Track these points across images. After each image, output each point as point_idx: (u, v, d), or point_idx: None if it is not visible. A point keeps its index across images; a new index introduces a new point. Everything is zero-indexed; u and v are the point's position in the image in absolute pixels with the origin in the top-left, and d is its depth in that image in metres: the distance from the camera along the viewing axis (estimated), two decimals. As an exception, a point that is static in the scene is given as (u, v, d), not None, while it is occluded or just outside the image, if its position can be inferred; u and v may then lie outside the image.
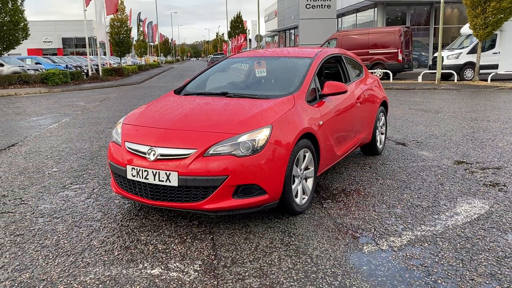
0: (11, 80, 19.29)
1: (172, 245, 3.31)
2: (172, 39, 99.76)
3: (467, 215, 3.83)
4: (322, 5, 25.11)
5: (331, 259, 3.06)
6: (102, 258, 3.10)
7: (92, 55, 26.81)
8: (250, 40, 73.71)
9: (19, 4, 18.56)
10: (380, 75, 20.55)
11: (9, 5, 18.10)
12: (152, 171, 3.46)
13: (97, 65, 26.86)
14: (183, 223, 3.73)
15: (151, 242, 3.36)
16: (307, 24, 25.04)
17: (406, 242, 3.31)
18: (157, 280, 2.79)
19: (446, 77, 19.56)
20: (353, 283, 2.74)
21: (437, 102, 12.55)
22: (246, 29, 70.29)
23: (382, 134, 6.29)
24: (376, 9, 28.43)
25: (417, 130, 7.99)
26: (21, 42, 18.93)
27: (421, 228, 3.56)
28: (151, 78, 28.39)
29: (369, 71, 20.24)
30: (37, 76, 19.87)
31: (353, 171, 5.33)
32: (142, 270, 2.92)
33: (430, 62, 22.02)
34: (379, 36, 21.10)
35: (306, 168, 4.03)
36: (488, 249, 3.17)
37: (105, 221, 3.80)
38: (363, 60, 20.90)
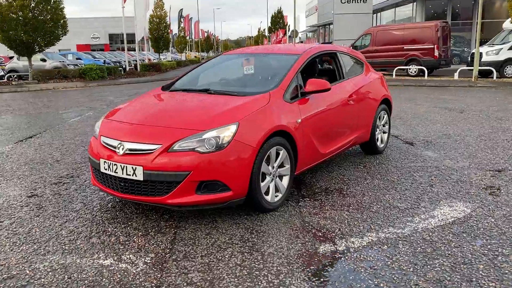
0: (52, 74, 20.21)
1: (134, 237, 3.41)
2: (214, 35, 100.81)
3: (442, 219, 3.70)
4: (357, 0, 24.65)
5: (282, 257, 3.06)
6: (63, 247, 3.25)
7: (136, 51, 27.50)
8: (290, 36, 73.26)
9: (59, 2, 19.36)
10: (415, 72, 19.96)
11: (51, 4, 18.88)
12: (121, 165, 3.57)
13: (136, 61, 27.64)
14: (154, 216, 3.83)
15: (115, 234, 3.47)
16: (342, 19, 24.69)
17: (365, 244, 3.25)
18: (104, 270, 2.89)
19: (485, 74, 18.72)
20: (293, 282, 2.73)
21: (467, 100, 12.06)
22: (287, 24, 69.96)
23: (384, 133, 6.14)
24: (415, 3, 27.54)
25: (432, 129, 7.73)
26: (60, 38, 19.75)
27: (388, 230, 3.48)
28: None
29: (404, 67, 19.88)
30: (76, 71, 20.71)
31: (344, 169, 5.25)
32: (95, 260, 3.03)
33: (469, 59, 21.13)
34: (414, 31, 20.45)
35: (281, 166, 4.02)
36: (448, 254, 3.06)
37: (82, 212, 3.96)
38: (398, 56, 20.44)
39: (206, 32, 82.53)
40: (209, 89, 4.45)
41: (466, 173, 5.05)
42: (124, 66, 26.01)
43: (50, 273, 2.86)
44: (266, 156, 3.76)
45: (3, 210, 4.03)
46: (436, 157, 5.77)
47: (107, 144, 3.77)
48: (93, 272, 2.87)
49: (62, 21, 19.30)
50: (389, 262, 2.96)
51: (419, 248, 3.16)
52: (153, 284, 2.72)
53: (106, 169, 3.70)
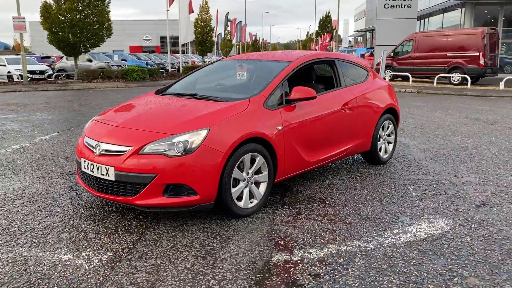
0: (96, 74, 21.14)
1: (102, 235, 3.54)
2: (263, 39, 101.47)
3: (415, 235, 3.58)
4: (402, 4, 24.05)
5: (233, 263, 3.08)
6: (33, 240, 3.43)
7: (180, 53, 28.20)
8: (341, 40, 72.35)
9: (105, 5, 20.23)
10: (458, 80, 19.19)
11: (97, 7, 19.78)
12: (96, 165, 3.72)
13: (179, 63, 28.33)
14: (129, 216, 3.96)
15: (86, 231, 3.62)
16: (384, 25, 24.15)
17: (322, 256, 3.21)
18: (60, 265, 3.03)
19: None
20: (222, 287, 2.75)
21: (504, 111, 11.47)
22: (335, 28, 69.27)
23: (389, 143, 5.99)
24: (463, 9, 26.47)
25: (450, 141, 7.44)
26: (105, 40, 20.62)
27: (352, 243, 3.41)
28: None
29: (447, 75, 19.12)
30: (119, 72, 21.55)
31: (338, 179, 5.17)
32: (56, 255, 3.18)
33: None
34: (459, 38, 19.67)
35: (259, 172, 4.03)
36: (402, 272, 2.97)
37: (66, 208, 4.16)
38: (440, 64, 19.74)
39: (254, 35, 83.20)
40: (196, 94, 4.54)
41: (465, 188, 4.84)
42: (166, 68, 26.73)
43: (10, 264, 3.04)
44: (239, 162, 3.79)
45: (-4, 202, 4.30)
46: (441, 171, 5.55)
47: (88, 144, 3.94)
48: (48, 266, 3.02)
49: (106, 23, 20.10)
50: (337, 276, 2.91)
51: (375, 264, 3.08)
52: (98, 281, 2.83)
53: (85, 168, 3.87)
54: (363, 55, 27.14)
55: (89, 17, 19.73)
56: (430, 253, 3.25)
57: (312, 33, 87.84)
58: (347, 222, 3.85)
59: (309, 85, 5.24)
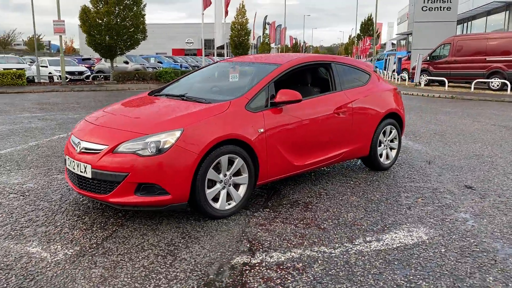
0: (131, 76, 21.78)
1: (76, 230, 3.66)
2: (304, 42, 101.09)
3: (387, 243, 3.47)
4: (441, 7, 23.32)
5: (191, 264, 3.10)
6: (11, 232, 3.59)
7: (215, 56, 28.70)
8: (385, 43, 70.90)
9: (140, 9, 20.83)
10: (497, 86, 18.38)
11: (133, 11, 20.40)
12: (77, 162, 3.85)
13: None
14: (108, 213, 4.06)
15: (63, 225, 3.75)
16: (422, 28, 23.51)
17: (282, 260, 3.17)
18: (25, 257, 3.16)
19: None
20: (171, 286, 2.77)
21: (537, 119, 10.89)
22: (377, 31, 68.04)
23: (392, 149, 5.82)
24: (507, 11, 25.31)
25: (467, 148, 7.15)
26: (140, 42, 21.21)
27: (318, 249, 3.35)
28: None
29: (486, 80, 18.30)
30: (153, 74, 22.11)
31: (331, 183, 5.08)
32: (25, 247, 3.31)
33: None
34: (499, 41, 18.83)
35: (238, 174, 4.04)
36: (358, 280, 2.89)
37: (54, 203, 4.32)
38: (478, 68, 18.98)
39: (294, 38, 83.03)
40: (184, 95, 4.60)
41: (462, 198, 4.64)
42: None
43: (-20, 254, 3.19)
44: (215, 164, 3.80)
45: (-8, 195, 4.52)
46: (444, 179, 5.35)
47: (72, 142, 4.08)
48: (14, 257, 3.15)
49: (141, 26, 20.68)
50: (289, 281, 2.87)
51: (333, 271, 3.01)
52: (54, 274, 2.92)
53: (69, 165, 4.01)
54: (400, 59, 26.44)
55: (125, 21, 20.35)
56: (396, 263, 3.14)
57: (354, 36, 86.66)
58: (322, 227, 3.78)
59: (304, 89, 5.21)
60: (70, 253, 3.23)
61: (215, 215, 3.89)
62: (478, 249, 3.38)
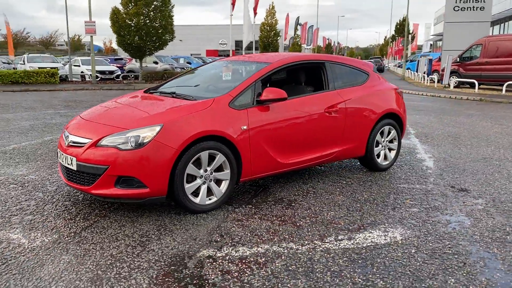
0: (159, 75, 22.25)
1: (60, 220, 3.83)
2: (338, 43, 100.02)
3: (357, 242, 3.46)
4: (474, 7, 22.63)
5: (157, 255, 3.20)
6: (-1, 219, 3.80)
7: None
8: (422, 44, 69.26)
9: (169, 10, 21.26)
10: (531, 88, 17.67)
11: (162, 12, 20.85)
12: (65, 155, 4.03)
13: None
14: (96, 205, 4.22)
15: (49, 215, 3.93)
16: (453, 28, 22.90)
17: (247, 254, 3.22)
18: (4, 242, 3.34)
19: None
20: (137, 277, 2.87)
21: None
22: (412, 32, 66.62)
23: (391, 150, 5.75)
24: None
25: (477, 151, 6.96)
26: (167, 43, 21.65)
27: (286, 245, 3.38)
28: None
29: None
30: (180, 74, 22.47)
31: (322, 182, 5.08)
32: (8, 233, 3.51)
33: None
34: (534, 42, 18.09)
35: (221, 170, 4.12)
36: (314, 277, 2.91)
37: (48, 194, 4.52)
38: (511, 70, 18.25)
39: (328, 39, 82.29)
40: (175, 92, 4.72)
41: (453, 201, 4.55)
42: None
43: (-35, 238, 3.41)
44: (194, 159, 3.89)
45: (-6, 186, 4.78)
46: (442, 181, 5.25)
47: (64, 136, 4.28)
48: (-5, 242, 3.34)
49: (169, 27, 21.09)
50: (246, 275, 2.92)
51: (292, 267, 3.04)
52: (26, 259, 3.09)
53: (59, 158, 4.20)
54: (430, 61, 25.82)
55: (154, 21, 20.80)
56: (360, 262, 3.13)
57: (389, 38, 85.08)
58: (298, 224, 3.81)
59: (298, 88, 5.24)
60: (47, 241, 3.39)
61: (195, 210, 3.98)
62: (450, 252, 3.32)
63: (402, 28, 64.61)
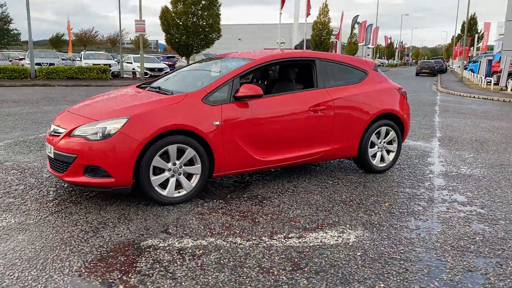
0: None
1: (37, 204, 4.08)
2: (401, 42, 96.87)
3: (306, 241, 3.41)
4: (538, 4, 21.02)
5: (103, 241, 3.33)
6: (-17, 201, 4.13)
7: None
8: (493, 45, 65.35)
9: (216, 9, 21.68)
10: None
11: (209, 11, 21.31)
12: (47, 144, 4.30)
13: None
14: (76, 192, 4.45)
15: (28, 199, 4.20)
16: (515, 27, 21.39)
17: (188, 246, 3.27)
18: (-24, 221, 3.64)
19: None
20: (72, 259, 3.02)
21: None
22: (480, 32, 63.12)
23: (390, 152, 5.55)
24: None
25: (497, 158, 6.56)
26: (214, 42, 22.09)
27: (231, 239, 3.39)
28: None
29: None
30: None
31: (306, 181, 5.01)
32: (-17, 214, 3.81)
33: None
34: None
35: (192, 164, 4.20)
36: (240, 272, 2.90)
37: (40, 180, 4.83)
38: None
39: (389, 38, 79.93)
40: (160, 87, 4.86)
41: (439, 206, 4.34)
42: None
43: None
44: (161, 152, 4.00)
45: (-3, 170, 5.18)
46: (435, 187, 5.01)
47: (50, 127, 4.55)
48: (-33, 221, 3.64)
49: (216, 26, 21.50)
50: (174, 265, 2.98)
51: (224, 260, 3.06)
52: (-14, 237, 3.35)
53: (45, 147, 4.48)
54: (490, 61, 24.30)
55: (201, 20, 21.30)
56: (295, 260, 3.09)
57: (458, 36, 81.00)
58: (256, 220, 3.81)
59: (287, 85, 5.22)
60: (13, 222, 3.64)
61: (162, 201, 4.09)
62: (398, 257, 3.19)
63: (469, 27, 61.40)
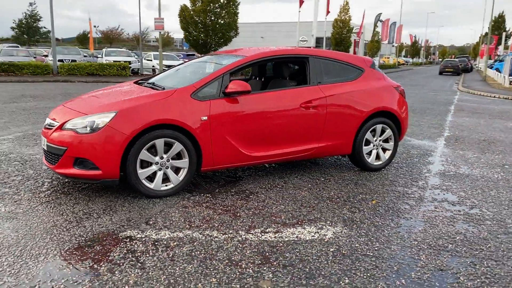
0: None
1: (28, 194, 4.22)
2: (427, 40, 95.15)
3: (282, 236, 3.44)
4: None
5: (85, 231, 3.43)
6: (-21, 190, 4.30)
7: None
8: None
9: (234, 8, 21.77)
10: None
11: (227, 10, 21.43)
12: (41, 137, 4.45)
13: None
14: (69, 184, 4.59)
15: (23, 189, 4.35)
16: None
17: (164, 238, 3.34)
18: (-33, 209, 3.81)
19: None
20: (52, 248, 3.13)
21: None
22: (509, 30, 61.46)
23: (386, 150, 5.51)
24: None
25: (500, 158, 6.45)
26: (232, 40, 22.20)
27: (208, 233, 3.45)
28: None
29: None
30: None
31: (297, 178, 5.03)
32: (-24, 202, 3.97)
33: None
34: None
35: (180, 158, 4.27)
36: (209, 264, 2.96)
37: (38, 171, 4.98)
38: None
39: (414, 36, 78.59)
40: (154, 83, 4.96)
41: (424, 206, 4.30)
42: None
43: None
44: (149, 146, 4.09)
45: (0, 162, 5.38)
46: (428, 186, 4.96)
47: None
48: (-40, 208, 3.81)
49: (234, 24, 21.61)
50: (146, 255, 3.05)
51: (196, 252, 3.12)
52: (-27, 224, 3.50)
53: (41, 140, 4.64)
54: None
55: (219, 18, 21.44)
56: (266, 254, 3.13)
57: (485, 34, 79.07)
58: (237, 215, 3.85)
59: (280, 81, 5.24)
60: (3, 210, 3.79)
61: (149, 194, 4.18)
62: (371, 254, 3.19)
63: (497, 26, 59.85)
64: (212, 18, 21.35)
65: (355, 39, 44.79)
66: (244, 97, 4.55)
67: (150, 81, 5.19)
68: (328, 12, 28.92)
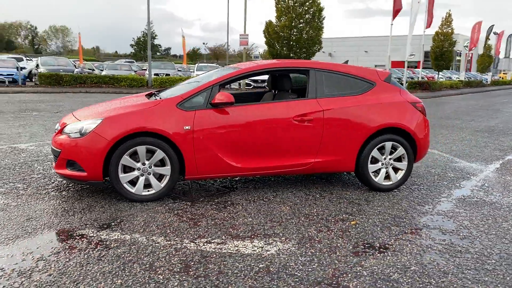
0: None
1: (29, 188, 4.71)
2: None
3: (222, 247, 3.40)
4: None
5: (46, 225, 3.77)
6: (-6, 184, 4.91)
7: (405, 67, 27.78)
8: None
9: (320, 22, 21.74)
10: None
11: (311, 25, 21.50)
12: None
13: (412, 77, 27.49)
14: (69, 182, 5.03)
15: (24, 183, 4.86)
16: None
17: (112, 239, 3.51)
18: (-28, 199, 4.38)
19: None
20: (26, 245, 3.49)
21: None
22: None
23: (397, 169, 5.13)
24: None
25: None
26: (315, 54, 22.12)
27: (155, 239, 3.55)
28: (456, 95, 26.78)
29: None
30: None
31: (289, 192, 4.90)
32: (-15, 195, 4.55)
33: None
34: None
35: (162, 165, 4.46)
36: (125, 269, 3.06)
37: (45, 167, 5.54)
38: None
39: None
40: (158, 94, 5.23)
41: (400, 234, 3.94)
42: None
43: (-42, 192, 4.56)
44: (130, 152, 4.34)
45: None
46: (427, 212, 4.53)
47: (59, 125, 5.21)
48: (-31, 198, 4.40)
49: (317, 39, 21.56)
50: (79, 253, 3.25)
51: (126, 255, 3.23)
52: (-32, 212, 4.02)
53: (56, 143, 5.16)
54: None
55: (304, 33, 21.56)
56: (191, 264, 3.13)
57: None
58: (198, 224, 3.89)
59: (282, 94, 5.20)
60: (0, 203, 4.29)
61: (131, 198, 4.41)
62: (298, 275, 3.03)
63: None
64: (295, 33, 21.52)
65: (466, 53, 41.70)
66: (234, 108, 4.59)
67: (158, 92, 5.47)
68: (429, 25, 27.43)
